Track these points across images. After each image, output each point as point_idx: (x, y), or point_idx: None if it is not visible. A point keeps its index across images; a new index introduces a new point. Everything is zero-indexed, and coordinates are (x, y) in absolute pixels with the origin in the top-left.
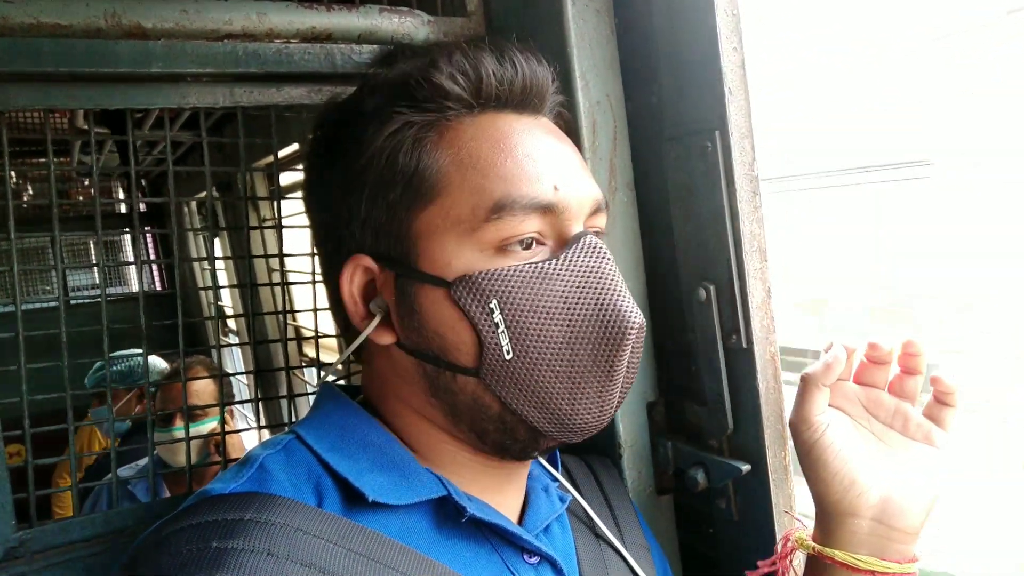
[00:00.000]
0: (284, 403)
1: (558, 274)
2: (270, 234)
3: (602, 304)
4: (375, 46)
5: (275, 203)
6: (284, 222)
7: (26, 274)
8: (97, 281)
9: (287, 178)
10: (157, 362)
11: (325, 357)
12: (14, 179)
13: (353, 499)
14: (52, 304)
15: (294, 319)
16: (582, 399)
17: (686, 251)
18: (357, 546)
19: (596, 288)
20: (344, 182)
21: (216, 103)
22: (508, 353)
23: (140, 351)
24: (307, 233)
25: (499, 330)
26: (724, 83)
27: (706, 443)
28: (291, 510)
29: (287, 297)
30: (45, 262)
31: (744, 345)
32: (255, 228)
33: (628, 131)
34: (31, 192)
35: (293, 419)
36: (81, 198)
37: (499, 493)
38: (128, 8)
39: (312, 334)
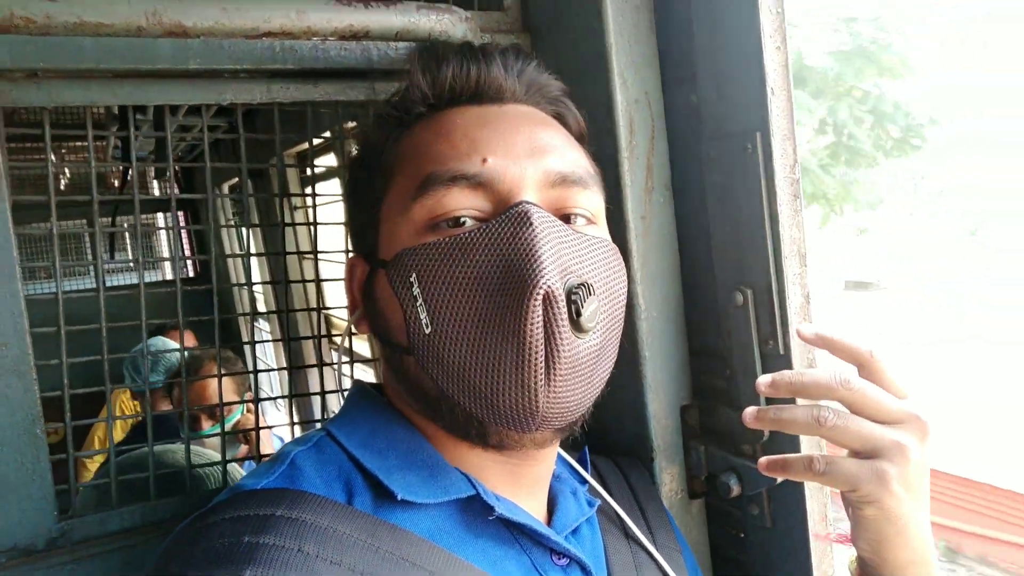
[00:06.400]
0: (315, 397)
1: (475, 244)
2: (302, 225)
3: (509, 268)
4: (412, 42)
5: (312, 198)
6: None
7: (63, 253)
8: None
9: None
10: (167, 343)
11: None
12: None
13: (383, 497)
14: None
15: (326, 314)
16: (499, 376)
17: (723, 254)
18: (386, 544)
19: (508, 254)
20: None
21: (253, 99)
22: (427, 327)
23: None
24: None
25: (417, 304)
26: (767, 83)
27: (739, 448)
28: (321, 507)
29: (320, 293)
30: (81, 240)
31: (781, 351)
32: (294, 224)
33: (666, 130)
34: (67, 174)
35: (324, 415)
36: (116, 183)
37: (517, 492)
38: (169, 7)
39: (343, 325)
